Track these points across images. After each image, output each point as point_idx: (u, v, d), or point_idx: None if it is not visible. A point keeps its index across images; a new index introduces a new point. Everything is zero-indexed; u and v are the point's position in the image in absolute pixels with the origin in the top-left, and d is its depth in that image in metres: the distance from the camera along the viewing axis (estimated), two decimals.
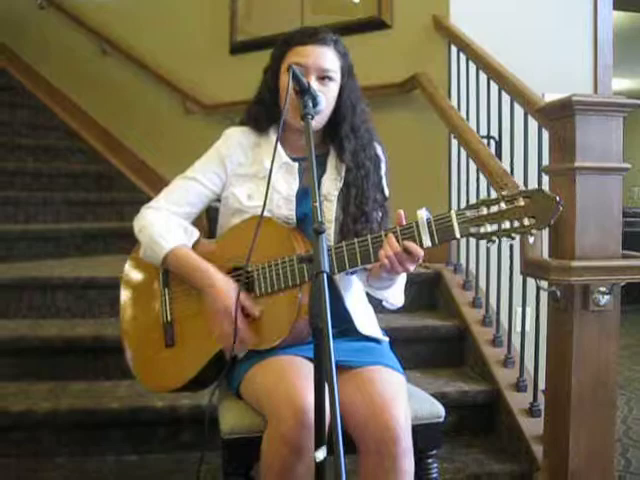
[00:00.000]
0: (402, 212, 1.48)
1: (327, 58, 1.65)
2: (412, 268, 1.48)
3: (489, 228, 1.37)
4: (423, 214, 1.43)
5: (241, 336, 1.57)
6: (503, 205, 1.36)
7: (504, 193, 1.38)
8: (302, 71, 1.57)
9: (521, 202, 1.35)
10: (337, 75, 1.67)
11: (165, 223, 1.69)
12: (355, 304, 1.73)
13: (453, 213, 1.40)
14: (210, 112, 4.24)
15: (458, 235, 1.40)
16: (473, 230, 1.39)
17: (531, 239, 1.39)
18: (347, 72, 1.70)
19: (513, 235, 1.36)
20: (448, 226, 1.40)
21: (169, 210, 1.72)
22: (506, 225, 1.36)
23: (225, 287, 1.60)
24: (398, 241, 1.44)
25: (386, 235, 1.46)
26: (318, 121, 1.63)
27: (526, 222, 1.34)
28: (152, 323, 1.74)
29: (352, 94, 1.71)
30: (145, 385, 1.79)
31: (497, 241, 1.38)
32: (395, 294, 1.69)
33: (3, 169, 4.09)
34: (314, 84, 1.60)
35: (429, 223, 1.42)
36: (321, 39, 1.65)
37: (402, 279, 1.67)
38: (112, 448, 2.34)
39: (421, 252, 1.44)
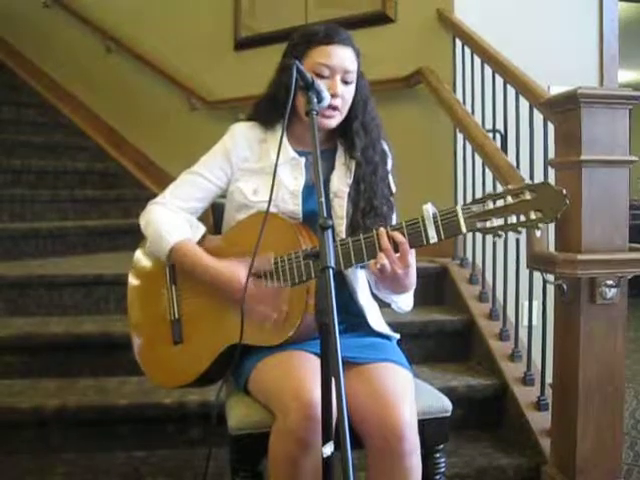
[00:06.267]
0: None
1: (350, 59, 1.65)
2: (400, 272, 1.45)
3: (495, 222, 1.36)
4: (429, 209, 1.42)
5: (282, 311, 1.56)
6: (509, 199, 1.35)
7: (510, 187, 1.36)
8: (328, 72, 1.60)
9: (527, 196, 1.33)
10: (355, 76, 1.67)
11: (170, 218, 1.69)
12: (366, 299, 1.73)
13: (459, 208, 1.39)
14: (215, 108, 4.23)
15: (464, 230, 1.39)
16: (479, 225, 1.37)
17: (538, 233, 1.38)
18: (360, 71, 1.71)
19: (519, 229, 1.35)
20: (454, 221, 1.39)
21: (175, 205, 1.72)
22: (512, 219, 1.35)
23: (230, 273, 1.58)
24: (388, 237, 1.44)
25: (392, 230, 1.45)
26: (337, 120, 1.66)
27: (532, 216, 1.33)
28: (160, 320, 1.74)
29: (363, 91, 1.72)
30: (153, 381, 1.79)
31: (503, 236, 1.37)
32: (404, 298, 1.68)
33: (9, 167, 4.10)
34: (339, 86, 1.62)
35: (435, 218, 1.41)
36: (343, 39, 1.64)
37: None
38: (120, 444, 2.35)
39: (406, 244, 1.42)
